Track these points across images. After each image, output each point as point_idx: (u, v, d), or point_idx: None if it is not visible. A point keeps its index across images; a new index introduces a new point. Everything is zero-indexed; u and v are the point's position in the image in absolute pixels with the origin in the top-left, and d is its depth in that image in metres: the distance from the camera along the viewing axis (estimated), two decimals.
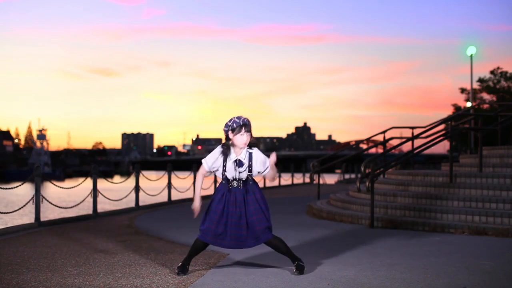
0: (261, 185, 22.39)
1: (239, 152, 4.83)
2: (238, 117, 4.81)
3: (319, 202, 11.33)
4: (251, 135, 4.84)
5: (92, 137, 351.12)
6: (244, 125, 4.76)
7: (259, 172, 4.89)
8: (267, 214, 4.85)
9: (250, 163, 4.83)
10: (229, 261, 5.49)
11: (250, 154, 4.85)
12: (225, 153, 4.83)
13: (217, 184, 5.02)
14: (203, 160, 4.92)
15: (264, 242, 4.86)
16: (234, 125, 4.77)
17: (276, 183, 24.64)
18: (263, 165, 4.86)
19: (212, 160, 4.86)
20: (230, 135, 4.80)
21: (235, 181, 4.83)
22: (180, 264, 4.93)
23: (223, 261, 5.48)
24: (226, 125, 4.82)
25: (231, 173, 4.82)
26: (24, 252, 6.01)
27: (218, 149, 4.88)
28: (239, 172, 4.82)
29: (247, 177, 4.85)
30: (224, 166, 4.83)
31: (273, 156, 4.87)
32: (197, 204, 4.93)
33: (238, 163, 4.81)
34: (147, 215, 10.31)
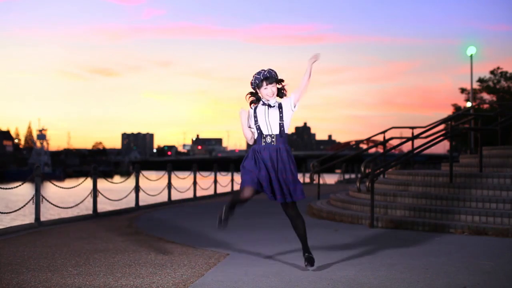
0: None
1: (269, 101, 4.94)
2: (258, 72, 4.94)
3: (319, 202, 11.33)
4: (277, 84, 4.93)
5: (92, 137, 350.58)
6: (265, 78, 4.89)
7: (295, 105, 4.93)
8: (297, 177, 4.93)
9: (280, 109, 4.91)
10: (229, 261, 5.49)
11: (280, 103, 4.95)
12: (252, 102, 4.97)
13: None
14: (241, 111, 5.03)
15: (288, 210, 4.95)
16: (257, 81, 4.92)
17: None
18: (289, 100, 4.93)
19: (245, 117, 4.97)
20: (258, 91, 4.96)
21: (269, 136, 4.90)
22: (223, 216, 4.77)
23: (223, 261, 5.48)
24: (251, 84, 4.98)
25: (262, 122, 4.90)
26: (24, 252, 6.01)
27: (243, 111, 4.99)
28: (269, 118, 4.87)
29: (279, 129, 4.89)
30: (256, 121, 4.92)
31: (314, 57, 4.98)
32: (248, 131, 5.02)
33: (268, 105, 4.91)
34: (147, 215, 10.32)
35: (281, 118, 4.91)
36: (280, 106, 4.93)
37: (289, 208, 4.99)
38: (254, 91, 5.00)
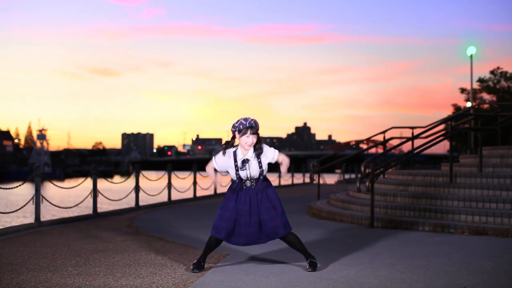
0: None
1: (246, 152, 4.97)
2: (245, 119, 4.95)
3: (319, 202, 11.33)
4: (258, 137, 4.97)
5: (92, 137, 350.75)
6: (250, 127, 4.89)
7: (269, 163, 5.02)
8: (279, 210, 4.97)
9: (259, 159, 4.97)
10: (229, 261, 5.49)
11: (259, 153, 4.97)
12: (227, 150, 4.98)
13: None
14: (213, 158, 5.08)
15: (283, 237, 5.01)
16: (241, 126, 4.91)
17: (276, 183, 24.65)
18: (272, 155, 5.01)
19: (221, 161, 5.02)
20: (237, 135, 4.96)
21: (248, 181, 4.97)
22: (195, 261, 5.05)
23: (223, 261, 5.47)
24: (233, 126, 4.97)
25: (243, 172, 4.95)
26: (24, 252, 6.01)
27: (230, 150, 5.00)
28: (249, 172, 4.94)
29: (259, 175, 4.97)
30: (236, 165, 4.96)
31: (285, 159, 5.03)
32: (215, 178, 5.12)
33: (246, 161, 4.95)
34: (147, 215, 10.31)
35: (260, 166, 4.97)
36: (258, 156, 4.96)
37: (285, 238, 5.06)
38: (233, 135, 5.00)
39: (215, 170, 5.09)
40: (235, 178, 5.02)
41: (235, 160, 4.97)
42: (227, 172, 5.06)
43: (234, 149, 5.00)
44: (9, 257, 5.70)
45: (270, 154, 5.02)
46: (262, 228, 4.94)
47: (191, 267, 4.98)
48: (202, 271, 4.97)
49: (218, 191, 17.38)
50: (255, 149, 4.97)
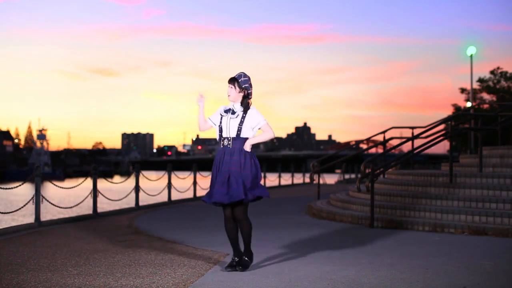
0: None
1: (236, 106, 5.01)
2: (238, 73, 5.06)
3: (319, 202, 11.33)
4: (244, 93, 4.98)
5: (92, 137, 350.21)
6: (231, 78, 5.01)
7: (252, 129, 4.96)
8: (249, 179, 4.87)
9: (244, 115, 4.96)
10: (229, 261, 5.49)
11: (246, 111, 4.98)
12: (220, 107, 5.07)
13: None
14: (208, 118, 5.18)
15: (234, 215, 4.98)
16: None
17: (276, 183, 24.63)
18: (257, 120, 4.97)
19: (214, 115, 5.12)
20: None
21: (226, 139, 4.96)
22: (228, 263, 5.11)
23: (223, 261, 5.48)
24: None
25: (225, 124, 4.98)
26: (24, 252, 6.01)
27: (221, 106, 5.10)
28: (230, 123, 4.93)
29: (237, 133, 4.93)
30: (221, 118, 5.03)
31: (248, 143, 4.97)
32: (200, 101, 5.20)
33: (231, 112, 4.98)
34: (147, 215, 10.31)
35: (240, 123, 4.95)
36: (243, 116, 4.96)
37: (235, 211, 5.00)
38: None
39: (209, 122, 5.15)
40: (218, 133, 5.02)
41: (221, 112, 5.02)
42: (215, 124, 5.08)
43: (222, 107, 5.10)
44: (9, 257, 5.70)
45: (256, 118, 4.97)
46: (229, 188, 4.85)
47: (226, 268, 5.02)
48: (204, 270, 4.97)
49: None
50: (242, 105, 4.98)
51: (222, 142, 4.99)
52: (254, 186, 4.91)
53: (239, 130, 4.93)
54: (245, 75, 5.02)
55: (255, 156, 5.01)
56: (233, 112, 4.97)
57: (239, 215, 4.99)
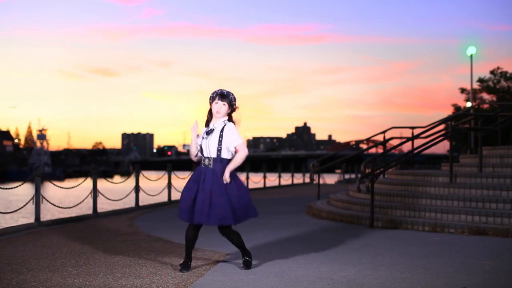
0: (261, 184, 22.41)
1: (216, 123, 4.95)
2: (219, 89, 4.98)
3: (319, 202, 11.33)
4: (231, 110, 4.94)
5: (92, 137, 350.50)
6: (220, 94, 4.91)
7: (228, 150, 4.90)
8: (236, 200, 4.87)
9: (222, 133, 4.89)
10: (229, 261, 5.49)
11: (224, 126, 4.91)
12: (206, 122, 4.99)
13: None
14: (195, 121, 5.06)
15: (220, 228, 5.01)
16: (214, 95, 4.95)
17: (276, 183, 24.62)
18: (232, 138, 4.87)
19: (194, 127, 4.98)
20: (210, 106, 4.98)
21: (207, 159, 4.91)
22: (182, 261, 5.06)
23: (223, 261, 5.48)
24: (210, 98, 4.99)
25: (203, 144, 4.93)
26: (24, 252, 6.01)
27: (195, 125, 4.99)
28: (209, 143, 4.88)
29: (216, 152, 4.88)
30: (203, 137, 4.96)
31: (227, 173, 4.86)
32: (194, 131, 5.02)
33: (210, 132, 4.92)
34: (147, 215, 10.31)
35: (219, 142, 4.89)
36: (222, 130, 4.90)
37: (222, 230, 5.04)
38: (210, 106, 5.01)
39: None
40: (198, 150, 4.96)
41: (204, 134, 4.96)
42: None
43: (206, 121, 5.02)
44: (9, 257, 5.70)
45: (231, 136, 4.87)
46: (213, 209, 4.81)
47: (179, 268, 4.97)
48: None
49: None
50: (224, 122, 4.93)
51: (203, 161, 4.93)
52: (243, 207, 4.93)
53: (219, 150, 4.88)
54: (218, 89, 4.99)
55: (237, 176, 5.01)
56: (209, 132, 4.91)
57: (226, 231, 5.03)
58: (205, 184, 4.84)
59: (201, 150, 4.95)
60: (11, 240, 6.93)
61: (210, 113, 5.00)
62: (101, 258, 5.68)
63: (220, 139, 4.88)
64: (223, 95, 4.91)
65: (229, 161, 4.89)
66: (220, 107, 4.91)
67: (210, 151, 4.89)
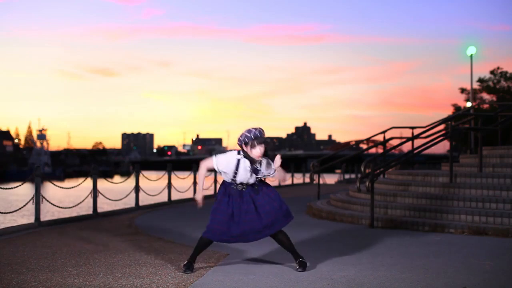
0: None
1: (256, 162, 4.94)
2: (249, 131, 4.91)
3: (319, 202, 11.33)
4: (265, 144, 4.92)
5: (92, 137, 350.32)
6: (255, 138, 4.85)
7: (268, 174, 4.99)
8: (279, 202, 4.96)
9: (260, 167, 4.95)
10: (229, 261, 5.49)
11: (261, 160, 4.96)
12: (241, 160, 4.91)
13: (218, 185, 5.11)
14: (214, 157, 5.00)
15: (271, 235, 4.98)
16: (246, 139, 4.88)
17: (276, 183, 24.62)
18: (268, 167, 4.97)
19: (223, 163, 4.93)
20: (245, 148, 4.91)
21: (240, 185, 4.95)
22: (186, 262, 5.03)
23: (223, 261, 5.48)
24: (239, 140, 4.93)
25: (242, 179, 4.92)
26: (24, 252, 6.01)
27: (235, 155, 4.92)
28: (250, 177, 4.92)
29: (254, 183, 4.97)
30: (236, 172, 4.91)
31: (278, 159, 4.95)
32: (200, 196, 5.05)
33: (254, 171, 4.92)
34: (147, 215, 10.31)
35: (257, 174, 4.94)
36: (260, 165, 4.94)
37: (276, 235, 5.04)
38: (240, 147, 4.98)
39: (209, 171, 5.06)
40: (228, 181, 4.97)
41: (237, 168, 4.90)
42: (213, 171, 5.04)
43: (239, 156, 4.92)
44: (9, 257, 5.70)
45: (265, 166, 4.97)
46: (264, 220, 4.88)
47: (183, 269, 4.95)
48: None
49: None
50: (264, 159, 4.97)
51: (235, 186, 4.95)
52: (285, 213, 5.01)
53: (256, 181, 4.98)
54: (247, 132, 4.96)
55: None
56: (256, 171, 4.92)
57: (279, 238, 5.06)
58: (244, 204, 4.91)
59: (235, 175, 4.92)
60: (11, 240, 6.93)
61: (247, 156, 4.93)
62: (101, 258, 5.68)
63: (258, 173, 4.94)
64: (258, 137, 4.87)
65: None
66: (260, 150, 4.89)
67: (249, 181, 4.96)
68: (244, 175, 4.91)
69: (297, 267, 4.98)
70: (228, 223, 4.90)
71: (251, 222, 4.89)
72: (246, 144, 4.87)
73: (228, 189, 4.97)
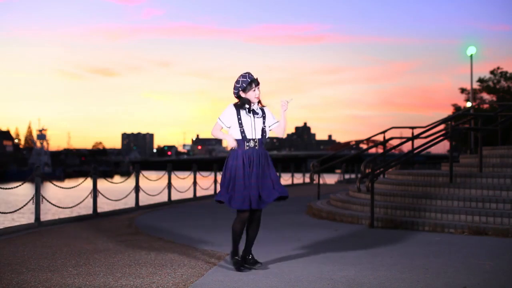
0: None
1: (253, 106, 5.00)
2: (244, 75, 4.97)
3: (319, 202, 11.33)
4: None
5: (92, 137, 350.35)
6: (252, 80, 4.94)
7: (271, 125, 5.04)
8: (276, 178, 5.01)
9: (264, 114, 5.01)
10: (229, 261, 5.49)
11: (262, 108, 5.04)
12: (240, 107, 4.95)
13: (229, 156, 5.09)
14: (218, 118, 5.02)
15: (255, 214, 4.97)
16: (244, 84, 4.94)
17: None
18: (273, 117, 5.07)
19: (227, 116, 4.97)
20: (242, 94, 4.96)
21: (252, 141, 4.92)
22: (239, 259, 5.04)
23: (223, 261, 5.48)
24: (235, 87, 4.98)
25: (247, 126, 4.92)
26: (24, 252, 6.01)
27: (231, 106, 4.98)
28: (255, 123, 4.93)
29: (262, 134, 4.96)
30: (240, 119, 4.93)
31: (284, 103, 5.01)
32: (232, 141, 4.96)
33: (253, 112, 4.96)
34: (147, 215, 10.31)
35: (264, 123, 5.00)
36: (264, 113, 5.02)
37: (258, 212, 5.01)
38: (237, 96, 5.02)
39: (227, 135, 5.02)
40: (238, 137, 4.93)
41: (238, 114, 4.93)
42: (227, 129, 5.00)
43: (235, 106, 4.98)
44: (9, 257, 5.70)
45: (271, 116, 5.06)
46: (262, 191, 4.88)
47: (240, 269, 4.96)
48: (202, 271, 4.97)
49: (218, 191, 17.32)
50: (257, 104, 5.01)
51: (247, 144, 4.93)
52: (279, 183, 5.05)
53: (264, 131, 4.99)
54: (242, 76, 5.02)
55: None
56: (255, 113, 4.98)
57: (259, 215, 5.03)
58: (257, 168, 4.89)
59: (243, 131, 4.93)
60: (11, 240, 6.93)
61: (242, 99, 4.98)
62: (101, 258, 5.68)
63: (264, 120, 4.99)
64: (254, 80, 4.96)
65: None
66: (258, 92, 4.97)
67: (256, 132, 4.95)
68: (249, 124, 4.91)
69: (251, 262, 5.05)
70: (244, 186, 4.85)
71: (263, 186, 4.88)
72: (244, 89, 4.94)
73: (238, 150, 4.91)
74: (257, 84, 4.97)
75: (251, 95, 4.95)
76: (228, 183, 4.92)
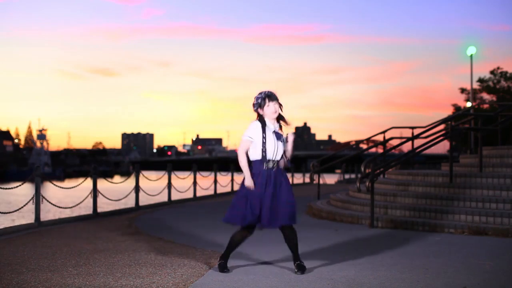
0: None
1: (272, 126, 4.92)
2: (260, 92, 4.93)
3: (319, 202, 11.33)
4: (279, 104, 4.92)
5: (92, 137, 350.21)
6: (267, 96, 4.87)
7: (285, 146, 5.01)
8: (293, 198, 4.94)
9: (285, 138, 4.97)
10: (229, 261, 5.48)
11: (286, 137, 4.98)
12: (263, 124, 4.88)
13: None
14: (244, 136, 4.92)
15: (283, 227, 4.90)
16: (259, 100, 4.89)
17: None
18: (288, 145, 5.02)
19: (253, 130, 4.88)
20: (260, 112, 4.91)
21: (271, 162, 4.87)
22: (221, 262, 5.01)
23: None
24: (254, 105, 4.93)
25: (271, 146, 4.85)
26: (24, 252, 6.01)
27: (257, 122, 4.90)
28: (278, 145, 4.88)
29: (282, 154, 4.93)
30: (264, 138, 4.86)
31: (291, 135, 4.99)
32: (250, 181, 4.86)
33: (277, 135, 4.90)
34: (147, 215, 10.31)
35: (283, 145, 4.95)
36: (286, 139, 4.98)
37: (286, 229, 4.96)
38: (257, 114, 4.94)
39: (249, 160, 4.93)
40: (258, 156, 4.87)
41: (264, 132, 4.86)
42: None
43: (261, 122, 4.90)
44: (9, 257, 5.70)
45: (289, 140, 5.00)
46: (281, 209, 4.83)
47: (224, 270, 4.93)
48: (202, 271, 4.97)
49: (218, 191, 17.35)
50: (279, 123, 4.95)
51: (265, 164, 4.87)
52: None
53: (284, 155, 4.97)
54: (258, 94, 4.96)
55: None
56: (278, 136, 4.91)
57: (288, 232, 4.96)
58: (272, 188, 4.85)
59: (265, 151, 4.86)
60: (11, 240, 6.93)
61: (259, 116, 4.92)
62: (101, 258, 5.68)
63: (284, 144, 4.95)
64: (270, 95, 4.89)
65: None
66: (275, 107, 4.88)
67: (277, 155, 4.90)
68: (272, 144, 4.84)
69: (296, 271, 4.91)
70: (257, 205, 4.82)
71: (271, 208, 4.82)
72: (260, 105, 4.88)
73: (256, 170, 4.87)
74: (272, 99, 4.86)
75: (266, 111, 4.88)
76: (240, 200, 4.89)
